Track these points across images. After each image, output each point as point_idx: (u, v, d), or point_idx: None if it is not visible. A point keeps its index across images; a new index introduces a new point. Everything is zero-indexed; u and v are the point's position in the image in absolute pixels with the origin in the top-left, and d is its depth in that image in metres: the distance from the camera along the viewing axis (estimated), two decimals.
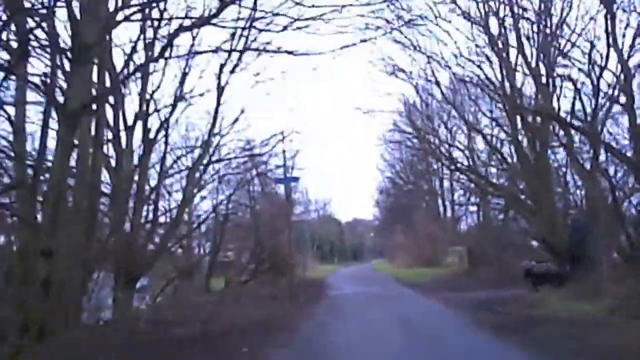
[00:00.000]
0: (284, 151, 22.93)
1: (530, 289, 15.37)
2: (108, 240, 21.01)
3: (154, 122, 20.93)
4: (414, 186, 52.02)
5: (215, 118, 20.95)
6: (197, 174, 21.50)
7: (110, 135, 20.03)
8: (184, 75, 20.65)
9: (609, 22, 15.92)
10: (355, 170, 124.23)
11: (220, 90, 20.50)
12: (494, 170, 27.41)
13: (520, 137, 21.10)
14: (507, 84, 19.40)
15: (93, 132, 14.53)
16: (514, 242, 28.45)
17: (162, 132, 20.97)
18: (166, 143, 21.07)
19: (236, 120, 21.18)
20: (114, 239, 20.29)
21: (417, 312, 13.91)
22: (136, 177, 20.92)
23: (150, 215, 22.00)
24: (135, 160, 20.73)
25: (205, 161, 21.44)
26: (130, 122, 19.89)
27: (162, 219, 22.54)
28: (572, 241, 15.79)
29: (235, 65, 19.64)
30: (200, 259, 27.19)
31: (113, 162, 19.94)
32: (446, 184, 47.24)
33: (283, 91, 23.85)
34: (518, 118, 20.41)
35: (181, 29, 12.29)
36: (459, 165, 24.30)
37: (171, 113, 20.83)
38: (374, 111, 23.74)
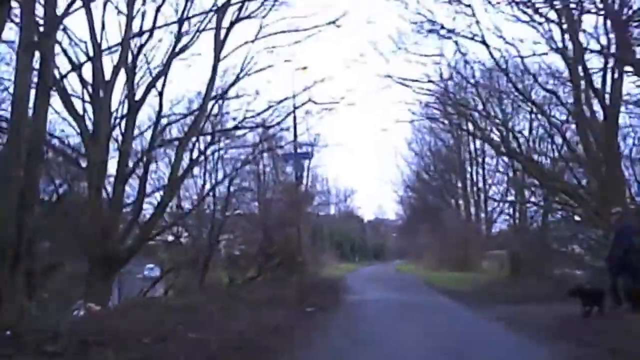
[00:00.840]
0: (294, 118, 18.95)
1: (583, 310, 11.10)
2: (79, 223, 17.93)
3: (143, 81, 17.61)
4: (442, 181, 47.97)
5: (212, 78, 17.31)
6: (190, 147, 17.88)
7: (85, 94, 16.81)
8: (181, 26, 17.14)
9: None
10: (380, 162, 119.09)
11: (219, 42, 16.80)
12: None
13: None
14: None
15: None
16: (563, 248, 24.84)
17: (154, 94, 17.55)
18: (160, 106, 17.46)
19: (237, 79, 17.40)
20: (87, 221, 17.02)
21: (473, 337, 9.80)
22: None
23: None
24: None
25: (199, 131, 17.78)
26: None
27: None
28: (616, 249, 11.48)
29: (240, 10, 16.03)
30: (200, 251, 23.46)
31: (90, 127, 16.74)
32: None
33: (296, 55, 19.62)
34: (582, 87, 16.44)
35: None
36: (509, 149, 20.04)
37: (165, 70, 17.32)
38: (407, 80, 19.55)
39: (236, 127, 18.71)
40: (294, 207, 22.86)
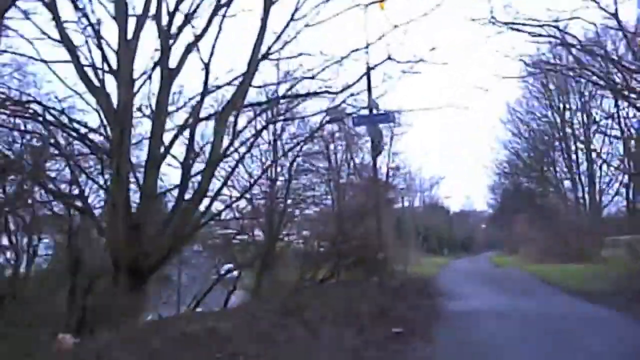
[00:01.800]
0: (368, 78, 14.34)
1: None
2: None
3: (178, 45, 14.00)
4: (542, 163, 42.44)
5: (262, 28, 13.42)
6: (233, 119, 13.99)
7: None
8: None
9: None
10: (469, 148, 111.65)
11: None
12: None
13: None
14: None
15: None
16: None
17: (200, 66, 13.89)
18: (206, 79, 13.69)
19: (291, 19, 13.25)
20: (109, 215, 13.70)
21: None
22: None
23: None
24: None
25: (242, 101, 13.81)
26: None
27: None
28: None
29: None
30: (262, 249, 19.61)
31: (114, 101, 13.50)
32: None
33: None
34: None
35: None
36: None
37: (207, 29, 13.63)
38: (518, 24, 14.82)
39: (286, 96, 14.55)
40: (373, 192, 18.60)
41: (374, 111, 14.61)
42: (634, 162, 32.01)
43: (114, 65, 13.34)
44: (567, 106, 37.89)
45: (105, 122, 13.50)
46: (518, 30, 14.95)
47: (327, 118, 15.51)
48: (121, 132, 12.91)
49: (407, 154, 56.08)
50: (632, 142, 31.32)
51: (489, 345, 8.11)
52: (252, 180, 17.46)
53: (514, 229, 51.29)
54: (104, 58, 13.39)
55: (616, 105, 30.85)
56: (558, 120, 39.02)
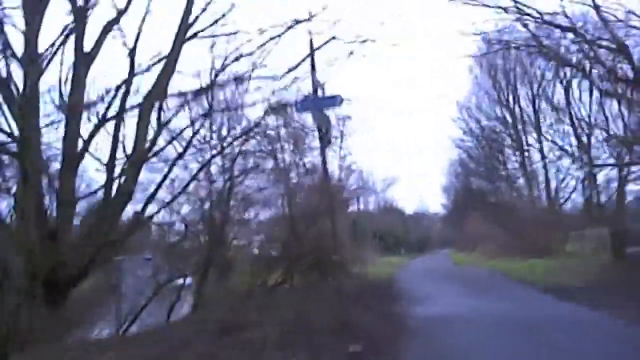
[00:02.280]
0: (312, 48, 12.99)
1: None
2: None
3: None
4: (495, 159, 41.84)
5: (188, 8, 11.85)
6: (156, 107, 12.27)
7: None
8: None
9: None
10: (423, 149, 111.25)
11: None
12: None
13: None
14: None
15: None
16: None
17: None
18: (132, 67, 12.00)
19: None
20: (18, 222, 11.83)
21: None
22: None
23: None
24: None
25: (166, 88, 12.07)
26: None
27: None
28: None
29: None
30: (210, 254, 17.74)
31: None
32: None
33: None
34: None
35: None
36: None
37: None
38: None
39: (215, 84, 12.84)
40: (325, 192, 17.12)
41: (320, 93, 13.23)
42: (587, 153, 31.41)
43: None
44: (517, 98, 37.29)
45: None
46: (471, 4, 13.77)
47: (269, 109, 13.85)
48: (26, 125, 11.12)
49: (360, 155, 55.08)
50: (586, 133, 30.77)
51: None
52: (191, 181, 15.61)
53: (468, 226, 50.91)
54: (7, 43, 11.62)
55: (567, 97, 30.53)
56: (508, 115, 38.44)
